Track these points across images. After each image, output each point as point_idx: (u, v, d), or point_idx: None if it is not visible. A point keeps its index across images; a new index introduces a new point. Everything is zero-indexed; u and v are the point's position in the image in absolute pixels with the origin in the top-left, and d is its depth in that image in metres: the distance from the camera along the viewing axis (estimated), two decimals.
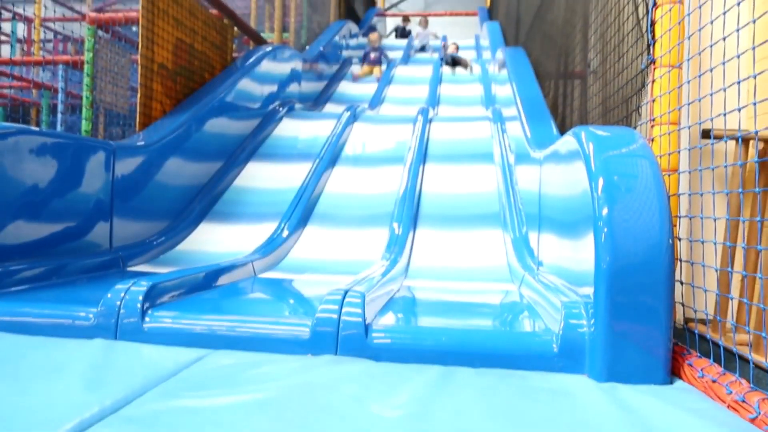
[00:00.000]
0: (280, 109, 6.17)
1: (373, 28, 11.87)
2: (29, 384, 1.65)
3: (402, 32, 15.25)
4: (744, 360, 1.95)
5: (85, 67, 5.21)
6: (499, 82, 6.72)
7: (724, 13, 1.95)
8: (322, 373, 1.85)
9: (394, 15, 18.12)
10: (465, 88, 8.43)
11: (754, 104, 1.70)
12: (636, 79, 2.88)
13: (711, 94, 2.01)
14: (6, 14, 8.61)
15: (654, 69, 2.57)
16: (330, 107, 7.72)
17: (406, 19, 15.87)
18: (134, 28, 6.35)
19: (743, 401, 1.59)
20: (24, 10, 7.28)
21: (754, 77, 1.72)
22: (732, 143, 2.50)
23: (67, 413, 1.43)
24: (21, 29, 9.66)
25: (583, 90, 4.30)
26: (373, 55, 9.33)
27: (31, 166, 2.93)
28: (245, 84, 5.44)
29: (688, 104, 2.32)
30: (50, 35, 9.80)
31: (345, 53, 9.98)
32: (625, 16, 3.11)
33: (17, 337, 2.15)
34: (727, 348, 1.91)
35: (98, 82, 5.13)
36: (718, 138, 2.23)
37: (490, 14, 13.96)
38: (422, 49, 11.62)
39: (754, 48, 1.74)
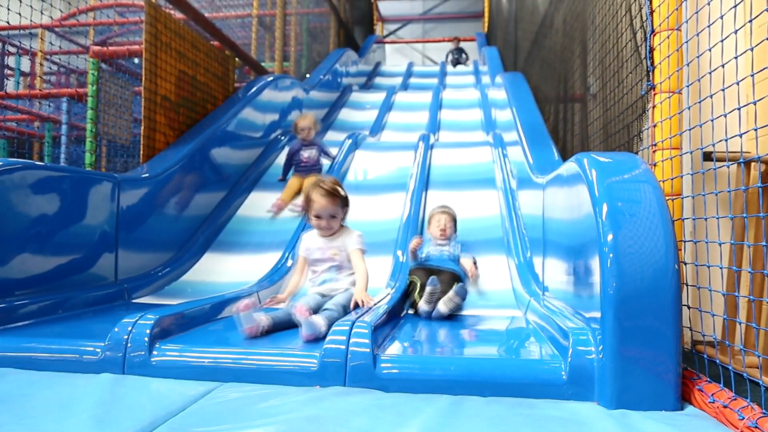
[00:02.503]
0: (282, 137, 6.21)
1: (306, 119, 5.38)
2: (38, 422, 1.65)
3: (457, 58, 13.57)
4: (754, 384, 1.94)
5: (89, 100, 5.26)
6: (499, 107, 6.77)
7: (722, 41, 1.98)
8: (331, 405, 1.84)
9: (393, 42, 18.36)
10: (465, 113, 8.48)
11: (755, 129, 1.71)
12: (636, 104, 2.91)
13: (712, 120, 2.03)
14: (10, 49, 8.72)
15: (654, 95, 2.60)
16: (331, 135, 7.76)
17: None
18: (137, 61, 6.43)
19: (756, 427, 1.58)
20: (30, 45, 7.37)
21: (755, 103, 1.74)
22: (734, 166, 2.52)
23: None
24: (24, 63, 9.78)
25: (583, 115, 4.34)
26: (305, 156, 5.17)
27: (36, 201, 2.95)
28: (247, 114, 5.49)
29: (689, 129, 2.34)
30: (53, 68, 9.91)
31: (345, 80, 10.08)
32: (623, 43, 3.15)
33: (24, 372, 2.15)
34: (737, 372, 1.90)
35: (101, 114, 5.18)
36: (720, 161, 2.25)
37: (488, 40, 14.10)
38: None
39: (753, 75, 1.77)
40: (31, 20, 4.56)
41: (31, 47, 7.74)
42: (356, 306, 2.79)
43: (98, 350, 2.20)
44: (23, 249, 2.87)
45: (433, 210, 3.99)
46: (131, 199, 3.69)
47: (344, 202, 3.07)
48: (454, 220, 3.88)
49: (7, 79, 8.78)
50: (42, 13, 4.71)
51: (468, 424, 1.70)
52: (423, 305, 3.16)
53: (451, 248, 3.74)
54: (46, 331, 2.57)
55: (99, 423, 1.64)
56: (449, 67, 13.27)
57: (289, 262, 4.06)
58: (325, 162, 5.41)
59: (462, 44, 14.21)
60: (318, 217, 3.00)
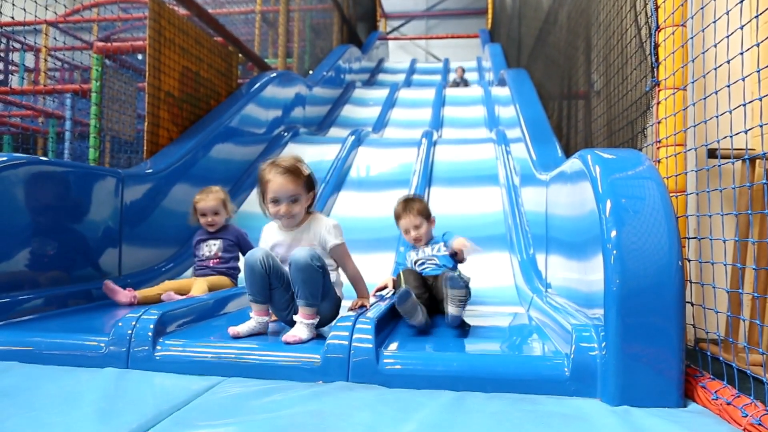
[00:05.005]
0: (285, 133, 6.21)
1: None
2: (43, 415, 1.65)
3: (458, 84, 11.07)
4: (758, 381, 1.94)
5: (92, 95, 5.26)
6: (503, 104, 6.76)
7: (728, 37, 1.97)
8: (334, 400, 1.84)
9: (396, 39, 18.33)
10: (468, 110, 8.47)
11: (761, 126, 1.71)
12: (640, 101, 2.90)
13: (717, 116, 2.02)
14: (15, 45, 8.73)
15: (658, 91, 2.59)
16: (334, 131, 7.77)
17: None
18: (140, 57, 6.43)
19: (759, 424, 1.58)
20: (35, 41, 7.38)
21: (760, 100, 1.73)
22: (739, 163, 2.51)
23: None
24: (29, 59, 9.79)
25: (587, 112, 4.33)
26: (205, 252, 3.60)
27: (41, 196, 2.95)
28: (250, 110, 5.49)
29: (694, 126, 2.33)
30: (57, 64, 9.92)
31: (348, 77, 10.07)
32: (628, 39, 3.14)
33: (29, 366, 2.15)
34: (740, 369, 1.89)
35: (105, 110, 5.18)
36: (725, 158, 2.24)
37: (492, 36, 14.08)
38: None
39: (759, 71, 1.76)
40: (35, 16, 4.56)
41: (35, 43, 7.75)
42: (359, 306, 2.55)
43: (102, 345, 2.21)
44: (28, 243, 2.88)
45: (395, 209, 3.26)
46: (135, 195, 3.70)
47: (309, 184, 2.50)
48: (425, 215, 3.17)
49: (12, 75, 8.80)
50: (46, 9, 4.71)
51: (470, 419, 1.70)
52: (411, 321, 2.54)
53: (436, 251, 3.14)
54: (51, 326, 2.58)
55: (103, 416, 1.64)
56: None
57: None
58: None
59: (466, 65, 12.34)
60: (275, 201, 2.44)
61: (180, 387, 1.94)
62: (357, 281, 2.67)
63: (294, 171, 2.42)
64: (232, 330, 2.32)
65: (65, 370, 2.13)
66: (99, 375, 2.04)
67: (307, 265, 2.28)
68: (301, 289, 2.31)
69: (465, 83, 11.09)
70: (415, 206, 3.18)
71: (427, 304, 2.75)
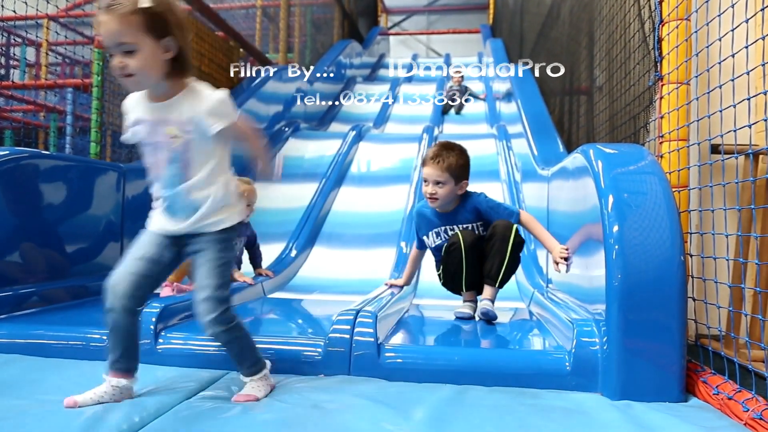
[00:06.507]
0: (286, 129, 6.21)
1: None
2: (46, 407, 1.66)
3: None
4: (759, 377, 1.94)
5: (94, 90, 5.25)
6: (504, 99, 6.76)
7: (732, 30, 1.97)
8: (336, 393, 1.84)
9: (397, 34, 18.30)
10: (469, 106, 8.45)
11: (765, 120, 1.70)
12: (643, 95, 2.89)
13: (720, 111, 2.02)
14: (15, 39, 8.72)
15: (662, 85, 2.58)
16: (335, 126, 7.76)
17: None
18: None
19: (760, 419, 1.58)
20: (36, 36, 7.37)
21: (765, 93, 1.73)
22: (742, 158, 2.50)
23: None
24: (30, 53, 9.78)
25: (589, 107, 4.32)
26: None
27: (43, 190, 2.95)
28: (251, 104, 5.49)
29: (697, 120, 2.32)
30: (58, 59, 9.90)
31: (349, 72, 10.05)
32: (631, 33, 3.13)
33: (32, 359, 2.16)
34: (741, 364, 1.89)
35: (107, 104, 5.17)
36: (728, 153, 2.23)
37: (493, 31, 14.03)
38: None
39: (764, 64, 1.76)
40: (37, 10, 4.55)
41: (36, 38, 7.73)
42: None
43: (104, 338, 2.21)
44: (30, 237, 2.87)
45: (428, 151, 2.77)
46: (136, 189, 3.69)
47: (159, 28, 1.62)
48: (455, 173, 2.67)
49: (13, 69, 8.79)
50: (48, 4, 4.70)
51: (471, 412, 1.71)
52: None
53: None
54: (53, 319, 2.58)
55: (105, 408, 1.65)
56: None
57: (293, 253, 4.06)
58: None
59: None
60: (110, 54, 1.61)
61: (182, 380, 1.95)
62: (256, 146, 1.93)
63: (120, 7, 1.56)
64: (69, 400, 1.68)
65: (68, 362, 2.13)
66: (102, 368, 2.03)
67: (224, 337, 1.79)
68: (237, 363, 1.87)
69: (469, 95, 8.42)
70: (447, 159, 2.65)
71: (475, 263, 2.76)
